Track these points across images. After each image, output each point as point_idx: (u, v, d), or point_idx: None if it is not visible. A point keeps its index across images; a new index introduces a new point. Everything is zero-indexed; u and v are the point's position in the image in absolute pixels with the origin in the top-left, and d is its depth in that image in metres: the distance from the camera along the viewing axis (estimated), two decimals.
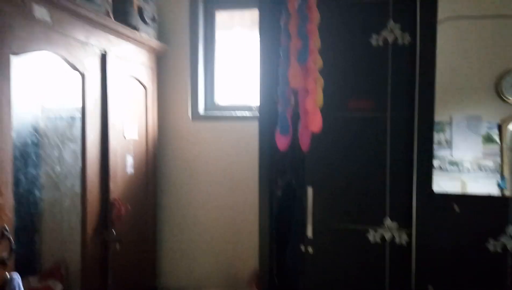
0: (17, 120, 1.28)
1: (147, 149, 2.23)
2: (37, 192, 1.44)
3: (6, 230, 1.21)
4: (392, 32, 1.62)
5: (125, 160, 1.98)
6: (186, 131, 2.44)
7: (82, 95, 1.65)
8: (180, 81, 2.43)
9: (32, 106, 1.39)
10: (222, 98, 2.54)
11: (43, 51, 1.41)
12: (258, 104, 1.70)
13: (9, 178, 1.25)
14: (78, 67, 1.61)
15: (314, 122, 0.70)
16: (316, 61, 0.72)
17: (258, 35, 1.67)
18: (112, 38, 1.84)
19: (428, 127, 1.60)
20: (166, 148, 2.45)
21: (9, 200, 1.25)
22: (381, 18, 1.63)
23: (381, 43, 1.63)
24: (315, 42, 0.73)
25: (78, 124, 1.63)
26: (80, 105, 1.64)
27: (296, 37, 0.69)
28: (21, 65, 1.33)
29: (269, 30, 1.66)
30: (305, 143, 0.74)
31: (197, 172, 2.42)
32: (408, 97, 1.61)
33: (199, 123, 2.43)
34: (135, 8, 1.99)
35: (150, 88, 2.25)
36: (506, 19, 2.06)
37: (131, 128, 2.04)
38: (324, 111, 1.68)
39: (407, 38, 1.61)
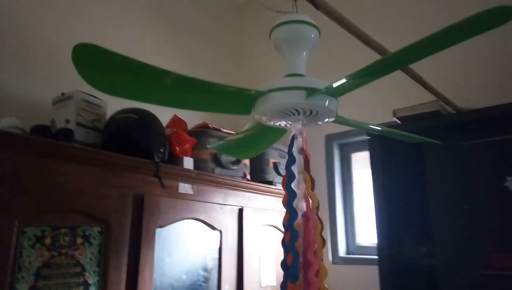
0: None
1: None
2: None
3: None
4: None
5: None
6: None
7: (219, 250, 1.88)
8: None
9: (170, 267, 1.65)
10: (365, 239, 2.44)
11: (184, 220, 1.73)
12: (376, 243, 1.61)
13: None
14: (215, 226, 1.87)
15: None
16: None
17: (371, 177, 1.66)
18: (249, 195, 2.10)
19: None
20: None
21: None
22: None
23: None
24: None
25: (214, 277, 1.83)
26: (217, 260, 1.86)
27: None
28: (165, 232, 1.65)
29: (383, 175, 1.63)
30: None
31: None
32: None
33: (340, 267, 2.35)
34: (271, 165, 2.26)
35: None
36: None
37: (268, 274, 2.14)
38: (462, 270, 1.44)
39: None
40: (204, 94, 0.67)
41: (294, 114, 0.74)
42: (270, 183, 2.23)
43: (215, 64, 2.96)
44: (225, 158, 1.97)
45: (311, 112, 0.74)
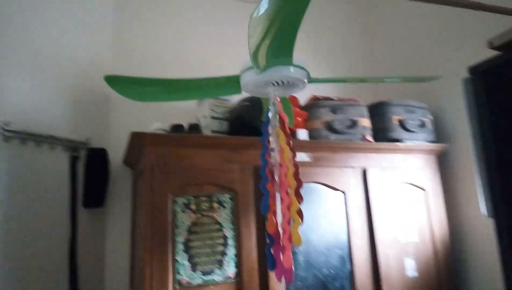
0: None
1: (435, 251, 2.21)
2: None
3: None
4: None
5: (402, 263, 2.11)
6: (481, 228, 2.20)
7: (345, 209, 2.04)
8: (467, 177, 2.30)
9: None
10: None
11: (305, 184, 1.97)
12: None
13: None
14: (338, 187, 2.05)
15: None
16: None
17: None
18: (372, 155, 2.17)
19: None
20: (461, 249, 2.29)
21: None
22: None
23: None
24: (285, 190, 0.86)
25: (344, 232, 2.01)
26: (344, 218, 2.03)
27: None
28: None
29: None
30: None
31: None
32: None
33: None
34: (395, 122, 2.24)
35: (430, 189, 2.29)
36: None
37: (408, 231, 2.16)
38: None
39: None
40: (201, 88, 0.92)
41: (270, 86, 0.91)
42: (396, 141, 2.22)
43: (345, 49, 3.05)
44: (339, 124, 2.10)
45: (282, 82, 0.89)
